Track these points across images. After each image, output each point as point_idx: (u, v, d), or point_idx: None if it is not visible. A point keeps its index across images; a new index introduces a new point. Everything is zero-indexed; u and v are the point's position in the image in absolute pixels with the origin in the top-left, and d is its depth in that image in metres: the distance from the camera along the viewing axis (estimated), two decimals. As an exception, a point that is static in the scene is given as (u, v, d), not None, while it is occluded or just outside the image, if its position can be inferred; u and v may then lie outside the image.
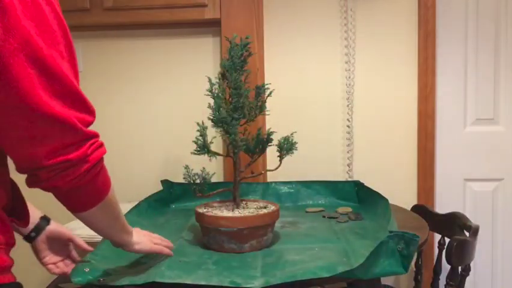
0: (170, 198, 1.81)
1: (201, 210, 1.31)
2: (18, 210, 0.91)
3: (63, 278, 1.81)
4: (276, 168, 1.41)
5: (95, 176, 0.81)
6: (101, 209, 0.88)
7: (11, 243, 0.81)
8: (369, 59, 2.02)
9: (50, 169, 0.75)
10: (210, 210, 1.32)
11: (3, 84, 0.66)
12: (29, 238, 1.06)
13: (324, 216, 1.60)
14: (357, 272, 1.06)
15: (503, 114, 2.07)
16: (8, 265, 0.79)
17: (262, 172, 1.59)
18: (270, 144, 1.40)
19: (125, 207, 1.43)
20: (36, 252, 1.08)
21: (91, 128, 0.79)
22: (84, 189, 0.82)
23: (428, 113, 1.99)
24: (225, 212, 1.29)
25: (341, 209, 1.67)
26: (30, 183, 0.79)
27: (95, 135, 0.80)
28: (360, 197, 1.78)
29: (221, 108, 1.30)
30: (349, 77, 2.02)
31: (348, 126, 2.04)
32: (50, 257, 1.10)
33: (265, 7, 2.02)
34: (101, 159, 0.83)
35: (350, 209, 1.67)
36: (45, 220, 1.07)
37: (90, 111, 0.78)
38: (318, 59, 2.03)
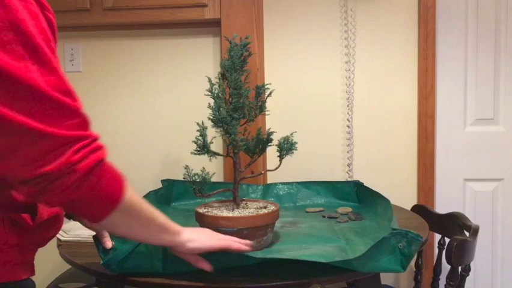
0: (170, 197, 1.81)
1: (201, 210, 1.31)
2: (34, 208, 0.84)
3: (63, 277, 1.81)
4: (276, 168, 1.41)
5: (92, 187, 0.71)
6: (120, 216, 0.78)
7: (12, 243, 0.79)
8: (369, 59, 2.02)
9: (31, 184, 0.66)
10: (209, 210, 1.32)
11: None
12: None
13: (324, 216, 1.60)
14: (355, 264, 1.06)
15: (503, 114, 2.07)
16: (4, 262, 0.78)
17: (262, 172, 1.59)
18: (270, 144, 1.40)
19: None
20: (90, 228, 1.07)
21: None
22: (84, 201, 0.72)
23: (428, 113, 1.99)
24: (224, 212, 1.29)
25: (340, 209, 1.67)
26: (27, 198, 0.73)
27: (84, 137, 0.69)
28: (360, 197, 1.78)
29: (221, 108, 1.30)
30: (349, 77, 2.02)
31: (348, 126, 2.04)
32: (102, 232, 1.08)
33: (265, 7, 2.02)
34: (94, 167, 0.70)
35: (350, 209, 1.67)
36: None
37: (71, 110, 0.67)
38: (318, 59, 2.03)
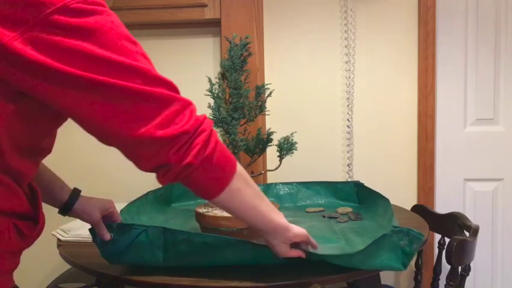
0: (170, 197, 1.81)
1: (201, 210, 1.31)
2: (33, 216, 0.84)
3: (63, 277, 1.82)
4: (276, 168, 1.41)
5: (214, 147, 0.81)
6: (240, 182, 0.86)
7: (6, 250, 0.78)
8: (369, 59, 2.02)
9: (174, 146, 0.76)
10: (210, 210, 1.32)
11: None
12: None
13: (324, 216, 1.60)
14: (354, 261, 1.06)
15: (503, 114, 2.07)
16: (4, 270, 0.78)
17: (262, 172, 1.60)
18: (270, 144, 1.40)
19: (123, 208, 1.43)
20: (87, 221, 1.06)
21: None
22: (210, 166, 0.80)
23: (428, 113, 1.99)
24: (225, 212, 1.29)
25: (341, 209, 1.67)
26: (162, 176, 0.80)
27: (191, 103, 0.80)
28: (360, 197, 1.78)
29: (221, 108, 1.30)
30: (349, 77, 2.02)
31: (348, 126, 2.04)
32: (100, 224, 1.06)
33: (265, 7, 2.02)
34: (212, 128, 0.82)
35: (350, 209, 1.67)
36: (71, 199, 1.02)
37: (172, 85, 0.78)
38: (318, 59, 2.03)
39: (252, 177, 1.47)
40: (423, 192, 2.02)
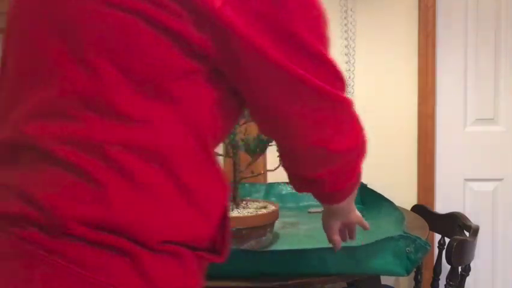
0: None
1: (201, 210, 1.31)
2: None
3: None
4: (276, 168, 1.41)
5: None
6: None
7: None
8: (369, 59, 2.02)
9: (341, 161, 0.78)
10: (210, 210, 1.32)
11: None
12: None
13: (324, 216, 1.59)
14: (356, 261, 1.05)
15: (503, 114, 2.07)
16: None
17: (262, 172, 1.60)
18: (270, 144, 1.40)
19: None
20: None
21: None
22: (356, 184, 0.86)
23: (428, 113, 1.99)
24: (224, 212, 1.29)
25: (341, 209, 1.66)
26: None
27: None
28: (363, 198, 1.77)
29: (221, 109, 1.29)
30: (349, 77, 2.02)
31: (348, 126, 2.04)
32: None
33: (265, 7, 2.02)
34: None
35: (350, 209, 1.67)
36: None
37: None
38: (318, 59, 2.03)
39: (251, 177, 1.47)
40: (423, 192, 2.02)
